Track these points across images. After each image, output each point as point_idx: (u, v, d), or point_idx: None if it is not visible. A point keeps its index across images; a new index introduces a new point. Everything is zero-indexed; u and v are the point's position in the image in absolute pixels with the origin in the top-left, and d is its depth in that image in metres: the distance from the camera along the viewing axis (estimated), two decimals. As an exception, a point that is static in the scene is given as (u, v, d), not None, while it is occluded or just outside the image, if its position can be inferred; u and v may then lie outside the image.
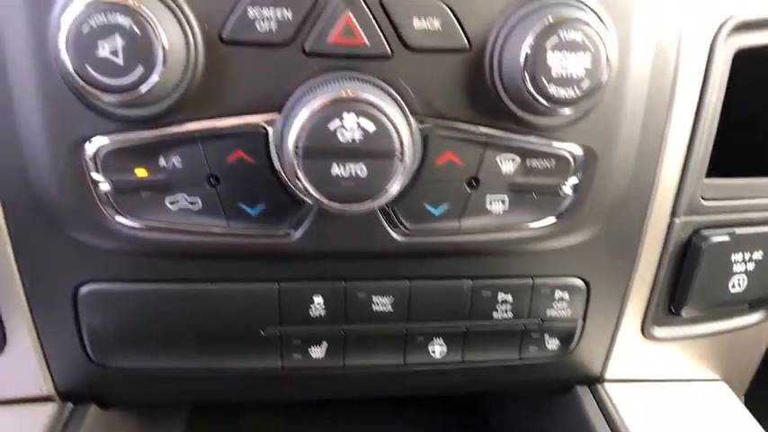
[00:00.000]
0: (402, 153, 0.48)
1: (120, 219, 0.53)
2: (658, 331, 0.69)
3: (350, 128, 0.46)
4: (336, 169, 0.47)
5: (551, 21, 0.47)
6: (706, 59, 0.57)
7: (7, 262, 0.57)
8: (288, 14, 0.48)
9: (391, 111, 0.47)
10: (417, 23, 0.49)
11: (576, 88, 0.48)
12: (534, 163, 0.55)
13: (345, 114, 0.46)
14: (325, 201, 0.48)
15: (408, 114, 0.50)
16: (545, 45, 0.47)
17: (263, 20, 0.47)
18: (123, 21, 0.43)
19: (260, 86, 0.49)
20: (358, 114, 0.46)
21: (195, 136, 0.50)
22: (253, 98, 0.50)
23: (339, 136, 0.46)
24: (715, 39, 0.57)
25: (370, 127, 0.46)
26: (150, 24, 0.44)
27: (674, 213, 0.62)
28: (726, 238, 0.64)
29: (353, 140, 0.46)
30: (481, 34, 0.50)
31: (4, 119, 0.51)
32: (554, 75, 0.48)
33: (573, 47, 0.47)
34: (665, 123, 0.58)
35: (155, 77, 0.44)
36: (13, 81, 0.49)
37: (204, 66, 0.48)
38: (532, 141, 0.53)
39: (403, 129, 0.47)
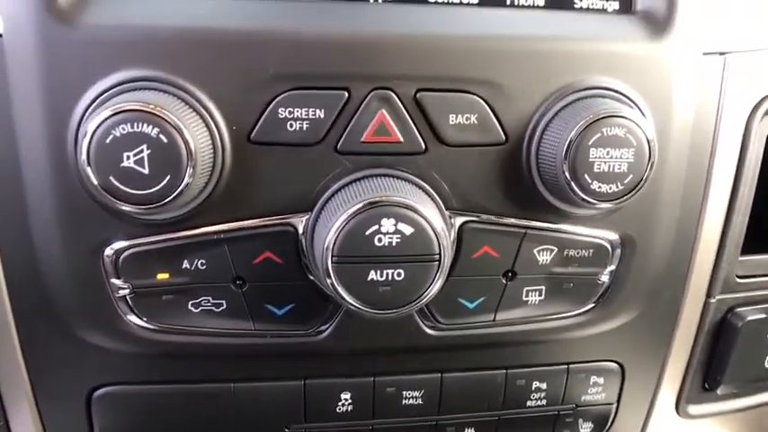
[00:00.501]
0: (441, 255, 0.45)
1: (139, 322, 0.50)
2: (693, 408, 0.67)
3: (387, 232, 0.44)
4: (373, 274, 0.45)
5: (593, 117, 0.45)
6: (741, 140, 0.56)
7: (16, 365, 0.54)
8: (320, 113, 0.46)
9: (429, 213, 0.45)
10: (453, 119, 0.47)
11: (619, 183, 0.46)
12: (572, 252, 0.53)
13: (383, 220, 0.43)
14: (360, 307, 0.46)
15: (444, 210, 0.49)
16: (587, 142, 0.45)
17: (294, 120, 0.45)
18: (149, 130, 0.41)
19: (289, 186, 0.47)
20: (396, 219, 0.44)
21: (221, 237, 0.47)
22: (282, 198, 0.47)
23: (376, 241, 0.44)
24: (750, 119, 0.56)
25: (408, 230, 0.44)
26: (177, 132, 0.41)
27: (709, 294, 0.60)
28: (762, 315, 0.62)
29: (391, 245, 0.44)
30: (518, 127, 0.48)
31: (17, 219, 0.48)
32: (596, 171, 0.46)
33: (615, 142, 0.46)
34: (702, 205, 0.56)
35: (182, 186, 0.42)
36: (27, 182, 0.47)
37: (231, 167, 0.46)
38: (570, 231, 0.52)
39: (441, 230, 0.45)
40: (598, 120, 0.45)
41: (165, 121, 0.41)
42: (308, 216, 0.48)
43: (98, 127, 0.41)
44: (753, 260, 0.61)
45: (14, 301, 0.51)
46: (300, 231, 0.48)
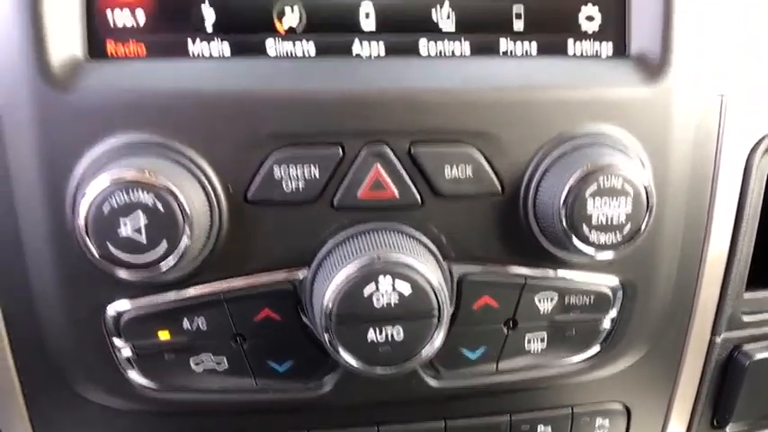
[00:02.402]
0: (440, 311, 0.45)
1: (142, 381, 0.50)
2: (702, 446, 0.67)
3: (385, 292, 0.44)
4: (372, 334, 0.44)
5: (589, 168, 0.45)
6: (741, 178, 0.56)
7: (21, 421, 0.54)
8: (315, 172, 0.46)
9: (426, 269, 0.44)
10: (448, 171, 0.47)
11: (617, 233, 0.46)
12: (573, 299, 0.52)
13: (381, 278, 0.43)
14: (360, 367, 0.45)
15: (442, 262, 0.49)
16: (584, 193, 0.45)
17: (289, 179, 0.45)
18: (146, 198, 0.41)
19: (286, 243, 0.47)
20: (394, 277, 0.43)
21: (220, 297, 0.48)
22: (279, 255, 0.47)
23: (374, 301, 0.44)
24: (750, 158, 0.55)
25: (406, 289, 0.44)
26: (173, 197, 0.41)
27: (714, 332, 0.59)
28: (769, 352, 0.62)
29: (389, 304, 0.44)
30: (514, 178, 0.48)
31: (19, 279, 0.48)
32: (594, 222, 0.46)
33: (613, 193, 0.45)
34: (704, 244, 0.55)
35: (179, 251, 0.42)
36: (27, 245, 0.47)
37: (229, 227, 0.46)
38: (570, 278, 0.51)
39: (439, 286, 0.45)
40: (594, 171, 0.45)
41: (161, 188, 0.41)
42: (305, 272, 0.48)
43: (95, 197, 0.41)
44: (758, 296, 0.60)
45: (18, 360, 0.52)
46: (299, 288, 0.48)
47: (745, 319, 0.60)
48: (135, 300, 0.47)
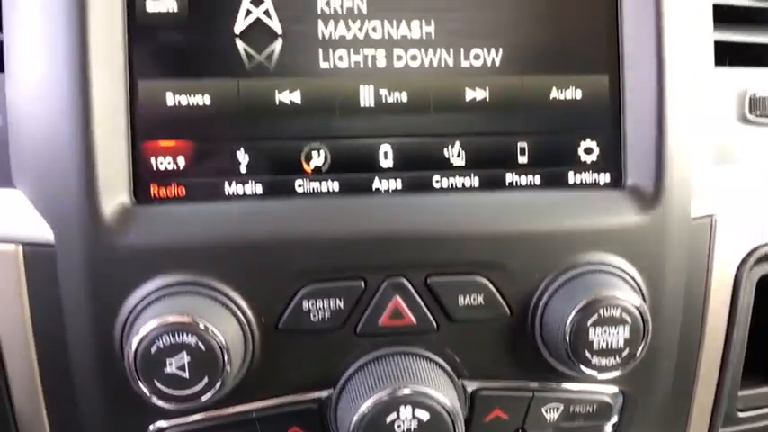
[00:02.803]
0: (455, 431, 0.49)
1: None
2: None
3: (406, 419, 0.48)
4: (393, 454, 0.49)
5: (589, 300, 0.49)
6: (732, 288, 0.60)
7: None
8: (340, 303, 0.50)
9: (444, 397, 0.48)
10: (462, 300, 0.52)
11: (617, 357, 0.50)
12: (577, 408, 0.56)
13: (402, 408, 0.47)
14: None
15: (456, 380, 0.53)
16: (586, 323, 0.49)
17: (316, 311, 0.50)
18: (190, 339, 0.46)
19: (313, 366, 0.52)
20: (414, 406, 0.48)
21: (252, 416, 0.52)
22: (306, 377, 0.52)
23: (396, 427, 0.48)
24: (740, 269, 0.59)
25: (425, 416, 0.48)
26: (214, 339, 0.46)
27: (711, 429, 0.63)
28: (765, 446, 0.65)
29: (409, 430, 0.48)
30: (522, 303, 0.52)
31: (65, 401, 0.52)
32: (595, 348, 0.50)
33: (612, 322, 0.50)
34: (698, 353, 0.59)
35: (219, 384, 0.47)
36: (75, 370, 0.51)
37: (261, 354, 0.50)
38: (575, 390, 0.55)
39: (455, 410, 0.49)
40: (594, 303, 0.49)
41: (203, 330, 0.46)
42: (331, 392, 0.52)
43: (144, 338, 0.46)
44: (753, 393, 0.64)
45: None
46: (325, 406, 0.52)
47: (741, 415, 0.64)
48: (172, 419, 0.52)
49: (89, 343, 0.50)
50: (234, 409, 0.51)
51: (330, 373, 0.52)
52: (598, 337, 0.50)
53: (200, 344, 0.46)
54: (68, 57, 0.48)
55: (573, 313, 0.49)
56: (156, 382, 0.46)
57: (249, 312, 0.49)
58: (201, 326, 0.46)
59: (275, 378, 0.51)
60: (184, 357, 0.46)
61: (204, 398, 0.46)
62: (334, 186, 0.53)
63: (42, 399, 0.52)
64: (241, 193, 0.52)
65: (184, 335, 0.46)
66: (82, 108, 0.48)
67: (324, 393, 0.52)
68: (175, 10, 0.51)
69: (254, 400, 0.52)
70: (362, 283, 0.50)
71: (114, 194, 0.49)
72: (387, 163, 0.53)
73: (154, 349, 0.45)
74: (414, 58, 0.53)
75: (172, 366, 0.46)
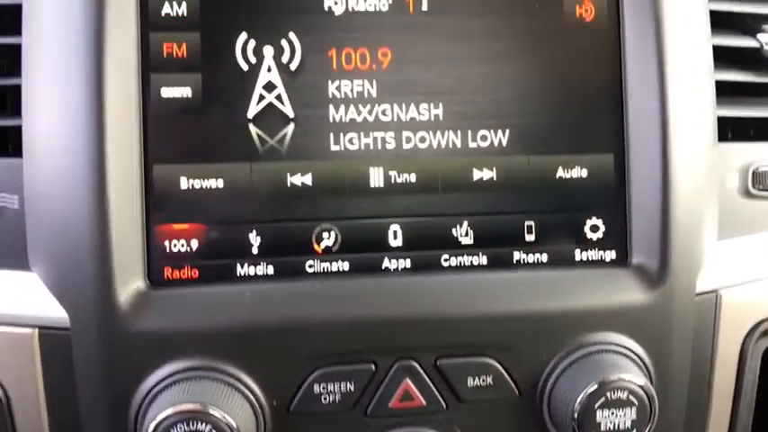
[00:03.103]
0: None
1: None
2: None
3: (416, 504, 0.49)
4: None
5: (597, 383, 0.50)
6: (738, 360, 0.60)
7: None
8: (350, 387, 0.51)
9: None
10: (471, 381, 0.52)
11: (624, 438, 0.51)
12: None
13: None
14: None
15: (465, 460, 0.54)
16: (594, 406, 0.50)
17: (327, 394, 0.51)
18: (203, 427, 0.46)
19: (324, 448, 0.53)
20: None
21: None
22: None
23: None
24: (746, 343, 0.60)
25: (434, 500, 0.49)
26: (228, 427, 0.47)
27: (720, 499, 0.64)
28: None
29: None
30: (530, 384, 0.53)
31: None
32: (603, 430, 0.51)
33: (619, 404, 0.50)
34: (705, 426, 0.60)
35: (231, 472, 0.48)
36: None
37: None
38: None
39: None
40: (601, 386, 0.50)
41: (218, 418, 0.46)
42: (341, 473, 0.53)
43: (158, 426, 0.46)
44: (759, 461, 0.65)
45: None
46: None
47: (748, 483, 0.65)
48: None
49: (103, 426, 0.51)
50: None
51: (341, 455, 0.53)
52: (605, 419, 0.50)
53: (213, 431, 0.47)
54: (85, 143, 0.49)
55: (580, 397, 0.50)
56: (171, 471, 0.47)
57: (261, 396, 0.50)
58: (215, 414, 0.46)
59: (285, 461, 0.52)
60: (199, 446, 0.47)
61: (217, 482, 0.47)
62: (345, 266, 0.54)
63: None
64: (252, 274, 0.53)
65: (198, 423, 0.46)
66: (98, 194, 0.49)
67: (334, 474, 0.53)
68: (190, 96, 0.52)
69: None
70: (373, 367, 0.51)
71: (129, 279, 0.50)
72: (396, 242, 0.54)
73: (169, 437, 0.47)
74: (422, 139, 0.54)
75: (192, 455, 0.47)
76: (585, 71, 0.56)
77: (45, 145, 0.51)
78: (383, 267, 0.54)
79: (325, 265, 0.54)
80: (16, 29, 0.53)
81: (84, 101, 0.50)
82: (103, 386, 0.50)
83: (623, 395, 0.50)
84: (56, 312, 0.50)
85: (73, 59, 0.50)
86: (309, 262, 0.53)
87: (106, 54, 0.50)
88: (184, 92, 0.52)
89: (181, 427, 0.46)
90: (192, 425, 0.46)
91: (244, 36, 0.52)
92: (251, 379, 0.50)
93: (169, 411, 0.46)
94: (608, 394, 0.50)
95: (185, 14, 0.52)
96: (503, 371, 0.52)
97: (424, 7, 0.54)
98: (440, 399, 0.52)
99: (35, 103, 0.51)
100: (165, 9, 0.52)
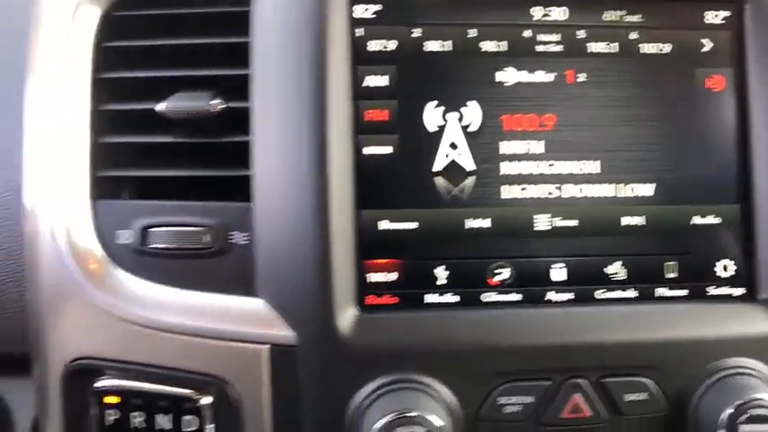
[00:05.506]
0: None
1: None
2: None
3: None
4: None
5: (740, 401, 0.59)
6: None
7: None
8: (529, 399, 0.60)
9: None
10: (628, 397, 0.61)
11: (767, 453, 0.60)
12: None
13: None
14: None
15: (624, 465, 0.63)
16: (736, 422, 0.59)
17: (509, 405, 0.60)
18: (418, 429, 0.56)
19: (505, 450, 0.62)
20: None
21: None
22: None
23: None
24: None
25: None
26: (439, 429, 0.56)
27: None
28: None
29: None
30: (678, 399, 0.62)
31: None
32: (745, 443, 0.60)
33: (759, 420, 0.59)
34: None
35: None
36: None
37: None
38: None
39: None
40: (743, 404, 0.59)
41: (429, 422, 0.56)
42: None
43: (381, 429, 0.56)
44: None
45: None
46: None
47: None
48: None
49: (321, 427, 0.60)
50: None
51: (519, 459, 0.62)
52: (747, 433, 0.60)
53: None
54: (312, 193, 0.60)
55: (725, 415, 0.59)
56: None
57: (456, 405, 0.60)
58: (428, 417, 0.56)
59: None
60: (411, 445, 0.56)
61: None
62: (516, 297, 0.63)
63: None
64: (438, 302, 0.63)
65: (413, 426, 0.56)
66: (322, 235, 0.60)
67: (510, 476, 0.62)
68: (388, 153, 0.63)
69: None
70: (549, 383, 0.61)
71: (345, 306, 0.60)
72: (559, 278, 0.64)
73: (388, 439, 0.56)
74: (581, 190, 0.64)
75: (401, 457, 0.56)
76: (716, 133, 0.66)
77: (276, 193, 0.61)
78: (546, 299, 0.64)
79: (500, 297, 0.63)
80: (243, 95, 0.64)
81: (312, 158, 0.60)
82: (325, 394, 0.60)
83: (763, 412, 0.59)
84: (284, 332, 0.60)
85: (301, 125, 0.61)
86: (486, 294, 0.63)
87: (329, 120, 0.61)
88: (385, 150, 0.63)
89: (401, 430, 0.56)
90: (408, 427, 0.56)
91: (433, 104, 0.64)
92: (447, 390, 0.60)
93: (390, 417, 0.56)
94: (750, 411, 0.59)
95: (386, 85, 0.64)
96: (655, 388, 0.61)
97: (581, 79, 0.65)
98: (602, 411, 0.61)
99: (265, 157, 0.62)
100: (368, 81, 0.63)
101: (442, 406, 0.59)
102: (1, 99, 0.76)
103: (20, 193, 0.67)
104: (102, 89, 0.66)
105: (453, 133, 0.64)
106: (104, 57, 0.66)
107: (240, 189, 0.64)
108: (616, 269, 0.64)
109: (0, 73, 0.77)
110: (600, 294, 0.64)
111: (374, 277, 0.62)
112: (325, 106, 0.61)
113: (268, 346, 0.61)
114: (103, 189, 0.65)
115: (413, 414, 0.56)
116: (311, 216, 0.60)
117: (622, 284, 0.64)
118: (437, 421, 0.56)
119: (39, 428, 0.73)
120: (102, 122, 0.66)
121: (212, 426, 0.62)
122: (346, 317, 0.60)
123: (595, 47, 0.65)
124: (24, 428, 0.76)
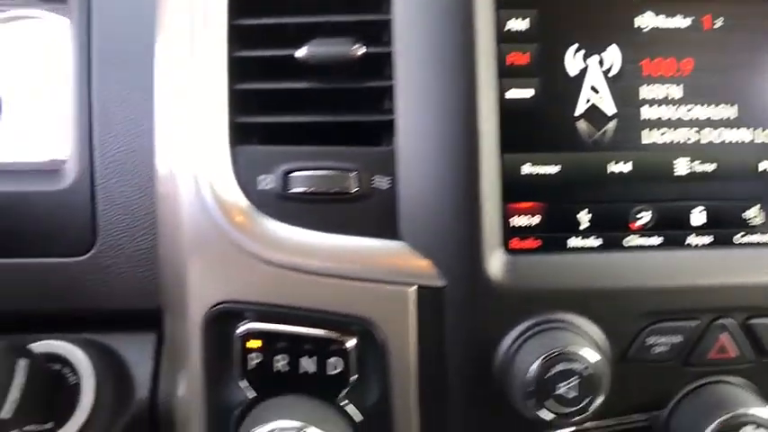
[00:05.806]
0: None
1: None
2: None
3: (747, 435, 0.58)
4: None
5: None
6: None
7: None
8: (677, 339, 0.61)
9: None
10: (770, 338, 0.63)
11: None
12: None
13: (745, 428, 0.58)
14: None
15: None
16: None
17: (657, 345, 0.61)
18: (577, 366, 0.56)
19: (649, 391, 0.62)
20: (757, 425, 0.58)
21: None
22: (643, 400, 0.63)
23: (738, 445, 0.58)
24: None
25: (757, 433, 0.59)
26: (592, 367, 0.56)
27: None
28: None
29: (750, 447, 0.59)
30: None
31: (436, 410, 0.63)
32: None
33: None
34: None
35: (598, 400, 0.57)
36: (450, 386, 0.62)
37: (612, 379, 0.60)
38: None
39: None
40: None
41: (585, 358, 0.56)
42: (661, 413, 0.63)
43: (540, 366, 0.56)
44: None
45: None
46: (655, 425, 0.63)
47: None
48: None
49: (468, 367, 0.61)
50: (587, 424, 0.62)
51: (662, 398, 0.62)
52: None
53: (584, 370, 0.57)
54: (461, 136, 0.60)
55: None
56: (545, 402, 0.57)
57: (606, 344, 0.60)
58: (583, 354, 0.57)
59: (621, 399, 0.61)
60: (573, 381, 0.57)
61: (586, 414, 0.57)
62: (658, 241, 0.64)
63: (418, 409, 0.63)
64: (581, 246, 0.63)
65: (570, 363, 0.56)
66: (472, 180, 0.60)
67: (655, 413, 0.63)
68: (530, 96, 0.63)
69: (599, 417, 0.62)
70: (698, 323, 0.61)
71: (493, 249, 0.61)
72: (698, 222, 0.64)
73: (549, 374, 0.56)
74: (718, 135, 0.64)
75: (560, 390, 0.57)
76: None
77: (420, 137, 0.61)
78: (686, 243, 0.64)
79: (641, 240, 0.63)
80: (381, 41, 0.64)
81: (461, 103, 0.60)
82: (474, 336, 0.61)
83: None
84: (430, 273, 0.61)
85: (449, 68, 0.61)
86: (628, 237, 0.64)
87: (477, 62, 0.61)
88: (527, 93, 0.63)
89: (560, 367, 0.56)
90: (567, 364, 0.56)
91: (574, 47, 0.63)
92: (596, 329, 0.60)
93: (547, 355, 0.56)
94: None
95: (527, 29, 0.63)
96: (800, 330, 0.62)
97: (719, 24, 0.65)
98: (749, 352, 0.62)
99: (409, 102, 0.62)
100: (510, 25, 0.63)
101: (594, 346, 0.59)
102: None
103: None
104: (240, 36, 0.66)
105: (594, 77, 0.64)
106: (239, 4, 0.67)
107: (375, 134, 0.64)
108: (754, 213, 0.64)
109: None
110: (738, 239, 0.65)
111: (517, 221, 0.62)
112: (473, 49, 0.61)
113: (415, 287, 0.61)
114: (243, 135, 0.65)
115: (569, 350, 0.57)
116: (459, 159, 0.60)
117: (762, 228, 0.64)
118: (593, 357, 0.57)
119: (158, 381, 0.75)
120: (238, 69, 0.65)
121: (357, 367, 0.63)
122: (495, 260, 0.60)
123: (733, -9, 0.65)
124: (142, 383, 0.77)
